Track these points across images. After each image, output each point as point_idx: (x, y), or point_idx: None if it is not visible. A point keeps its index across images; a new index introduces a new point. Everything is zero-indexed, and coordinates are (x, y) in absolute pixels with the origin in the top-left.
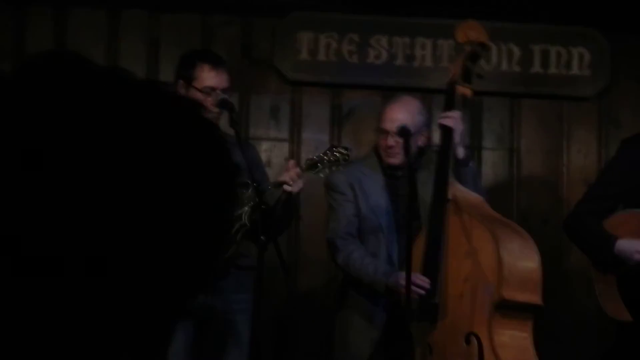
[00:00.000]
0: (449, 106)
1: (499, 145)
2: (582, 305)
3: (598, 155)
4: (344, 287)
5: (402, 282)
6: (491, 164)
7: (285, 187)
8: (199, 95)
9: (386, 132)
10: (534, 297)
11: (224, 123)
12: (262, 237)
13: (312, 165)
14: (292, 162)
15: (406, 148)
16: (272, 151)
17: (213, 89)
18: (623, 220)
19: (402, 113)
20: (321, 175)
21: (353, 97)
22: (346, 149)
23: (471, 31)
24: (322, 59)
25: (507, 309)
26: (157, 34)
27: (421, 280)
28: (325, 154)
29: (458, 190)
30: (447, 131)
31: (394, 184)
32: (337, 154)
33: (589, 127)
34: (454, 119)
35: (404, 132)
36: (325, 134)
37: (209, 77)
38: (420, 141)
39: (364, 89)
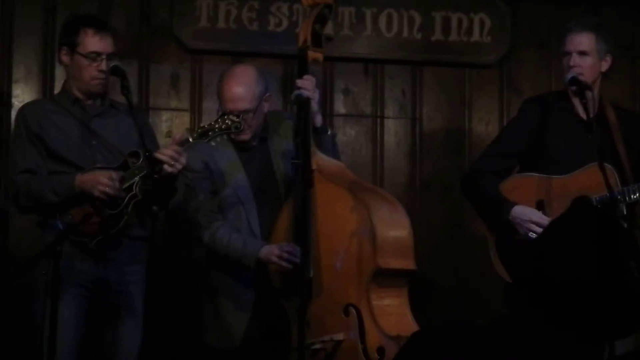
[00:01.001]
0: (302, 73)
1: (401, 114)
2: (484, 271)
3: (500, 122)
4: (207, 268)
5: (273, 255)
6: (394, 133)
7: (166, 167)
8: (83, 61)
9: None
10: (408, 263)
11: (116, 90)
12: (154, 207)
13: (203, 134)
14: (177, 136)
15: (305, 119)
16: (172, 121)
17: (98, 53)
18: (518, 184)
19: (239, 87)
20: (213, 143)
21: (254, 65)
22: (238, 116)
23: None
24: (222, 26)
25: (383, 276)
26: (53, 1)
27: (290, 248)
28: (216, 122)
29: (321, 159)
30: (301, 99)
31: (247, 155)
32: (229, 122)
33: (490, 94)
34: (309, 87)
35: (299, 100)
36: None
37: (93, 42)
38: (265, 108)
39: (265, 57)
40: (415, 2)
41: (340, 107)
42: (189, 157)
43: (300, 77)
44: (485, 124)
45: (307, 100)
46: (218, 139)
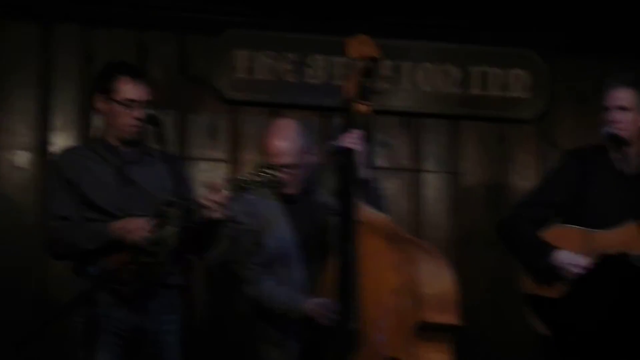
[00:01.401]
0: (347, 126)
1: (439, 168)
2: (525, 327)
3: (538, 177)
4: (253, 320)
5: (317, 308)
6: (432, 187)
7: (209, 213)
8: (119, 108)
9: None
10: (452, 318)
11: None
12: (189, 256)
13: (239, 187)
14: (216, 185)
15: (349, 171)
16: (210, 172)
17: (133, 101)
18: (559, 236)
19: (283, 141)
20: (251, 196)
21: (291, 116)
22: (275, 169)
23: (363, 46)
24: (260, 77)
25: (427, 331)
26: (91, 49)
27: (330, 305)
28: (252, 174)
29: (365, 211)
30: (348, 152)
31: (292, 208)
32: (265, 174)
33: (529, 150)
34: (353, 140)
35: (336, 151)
36: None
37: (129, 90)
38: (310, 161)
39: (302, 109)
40: (453, 57)
41: (378, 160)
42: (233, 209)
43: (346, 130)
44: (523, 179)
45: (351, 152)
46: (260, 190)
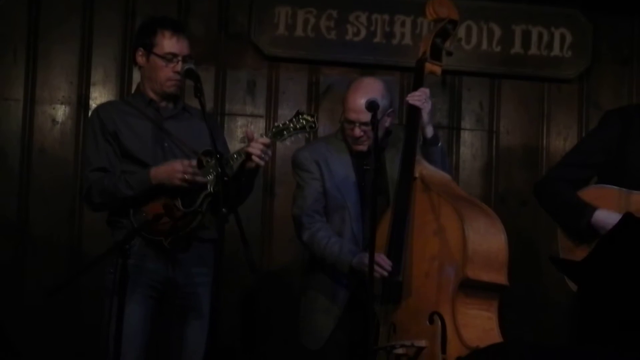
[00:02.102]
0: (417, 84)
1: (478, 126)
2: (558, 287)
3: (579, 138)
4: (309, 266)
5: (366, 263)
6: (470, 145)
7: (255, 159)
8: (159, 62)
9: (352, 123)
10: (498, 277)
11: (189, 94)
12: (223, 209)
13: (278, 133)
14: (253, 133)
15: (374, 123)
16: (248, 127)
17: (174, 55)
18: (597, 195)
19: (365, 99)
20: (287, 142)
21: (331, 74)
22: (312, 115)
23: (441, 8)
24: (300, 34)
25: (471, 288)
26: (133, 6)
27: (383, 261)
28: (291, 121)
29: (425, 168)
30: (414, 110)
31: (360, 161)
32: (303, 121)
33: (569, 109)
34: (422, 98)
35: (372, 107)
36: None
37: (170, 44)
38: (387, 122)
39: (341, 66)
40: (495, 15)
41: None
42: (303, 156)
43: (416, 87)
44: (563, 139)
45: (417, 109)
46: (334, 143)
